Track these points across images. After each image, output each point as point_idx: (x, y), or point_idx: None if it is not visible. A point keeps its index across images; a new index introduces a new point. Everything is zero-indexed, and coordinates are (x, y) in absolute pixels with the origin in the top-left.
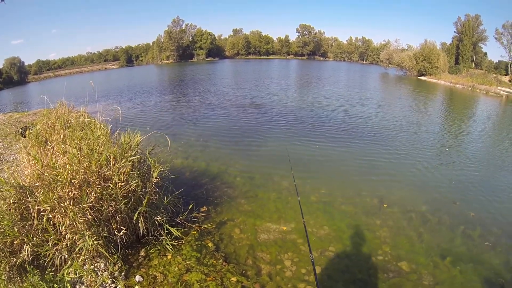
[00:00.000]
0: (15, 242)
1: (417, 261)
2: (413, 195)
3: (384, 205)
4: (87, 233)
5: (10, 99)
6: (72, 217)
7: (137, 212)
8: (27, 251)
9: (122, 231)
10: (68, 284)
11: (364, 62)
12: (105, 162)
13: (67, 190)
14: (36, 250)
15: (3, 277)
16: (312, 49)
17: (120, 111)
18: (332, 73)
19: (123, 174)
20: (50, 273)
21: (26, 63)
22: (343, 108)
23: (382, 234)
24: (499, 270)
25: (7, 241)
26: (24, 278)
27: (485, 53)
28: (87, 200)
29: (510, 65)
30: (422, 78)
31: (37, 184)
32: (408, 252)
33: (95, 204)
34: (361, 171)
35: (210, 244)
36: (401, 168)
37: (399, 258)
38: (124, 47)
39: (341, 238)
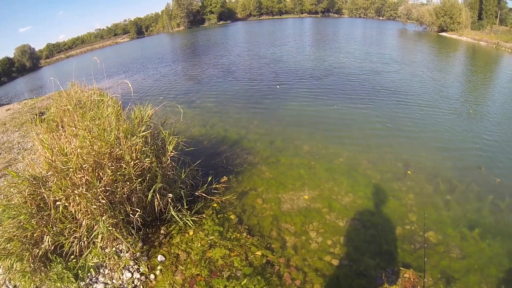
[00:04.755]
0: (35, 234)
1: (444, 232)
2: (438, 159)
3: (409, 172)
4: (102, 218)
5: (24, 86)
6: (85, 203)
7: (151, 191)
8: (48, 241)
9: (137, 214)
10: (91, 269)
11: (381, 18)
12: (116, 141)
13: (79, 176)
14: (57, 239)
15: (27, 269)
16: (326, 6)
17: (130, 85)
18: (348, 30)
19: (135, 152)
20: (73, 260)
21: (36, 49)
22: (361, 67)
23: (408, 202)
24: None
25: (27, 234)
26: (48, 267)
27: (510, 9)
28: (99, 184)
29: None
30: (443, 34)
31: (49, 173)
32: (435, 222)
33: (108, 188)
34: (383, 134)
35: (232, 217)
36: (424, 130)
37: (426, 228)
38: (133, 19)
39: (366, 205)
